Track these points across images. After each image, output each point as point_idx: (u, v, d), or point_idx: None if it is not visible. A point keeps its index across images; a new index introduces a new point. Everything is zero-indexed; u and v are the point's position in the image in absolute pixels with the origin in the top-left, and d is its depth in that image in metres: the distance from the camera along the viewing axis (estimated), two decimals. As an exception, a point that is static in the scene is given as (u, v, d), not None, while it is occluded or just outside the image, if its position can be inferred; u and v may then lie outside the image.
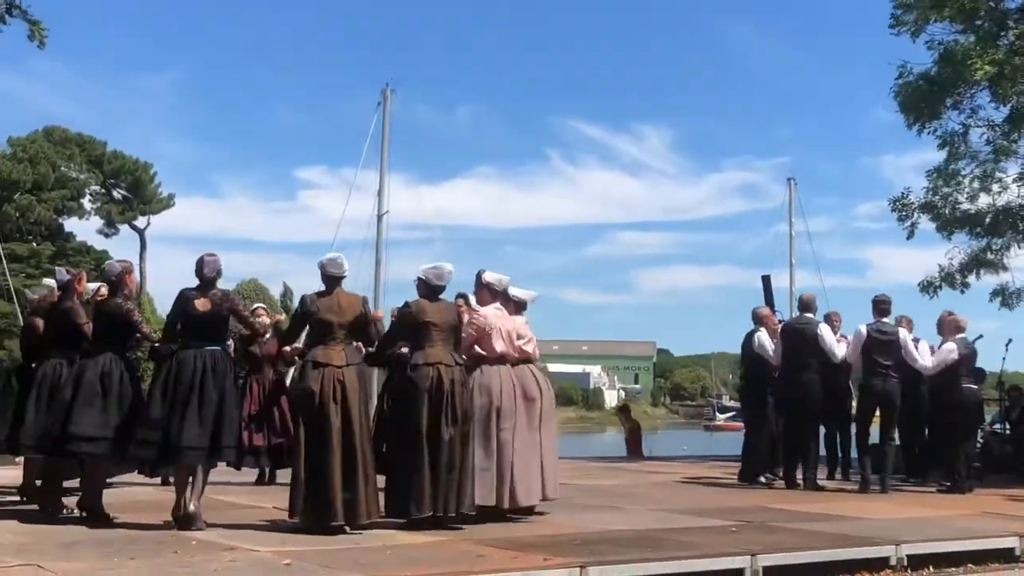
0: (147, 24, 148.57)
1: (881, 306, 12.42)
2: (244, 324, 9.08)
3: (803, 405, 12.30)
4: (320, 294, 8.46)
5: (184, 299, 8.38)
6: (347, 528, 8.04)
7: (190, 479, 8.17)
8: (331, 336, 8.32)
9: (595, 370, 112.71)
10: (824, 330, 12.48)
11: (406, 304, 8.85)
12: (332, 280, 8.47)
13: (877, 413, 12.39)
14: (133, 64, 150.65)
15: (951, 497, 11.73)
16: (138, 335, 8.81)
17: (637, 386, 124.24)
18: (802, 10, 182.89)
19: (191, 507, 8.07)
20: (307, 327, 8.64)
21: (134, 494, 10.13)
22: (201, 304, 8.34)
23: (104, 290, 9.55)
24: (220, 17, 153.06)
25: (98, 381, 8.36)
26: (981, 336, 13.06)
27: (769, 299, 17.97)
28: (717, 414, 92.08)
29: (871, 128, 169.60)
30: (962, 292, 21.40)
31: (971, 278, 21.44)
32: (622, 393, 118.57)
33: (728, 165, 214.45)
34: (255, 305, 12.36)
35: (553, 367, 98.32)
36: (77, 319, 8.78)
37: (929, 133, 20.31)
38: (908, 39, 19.59)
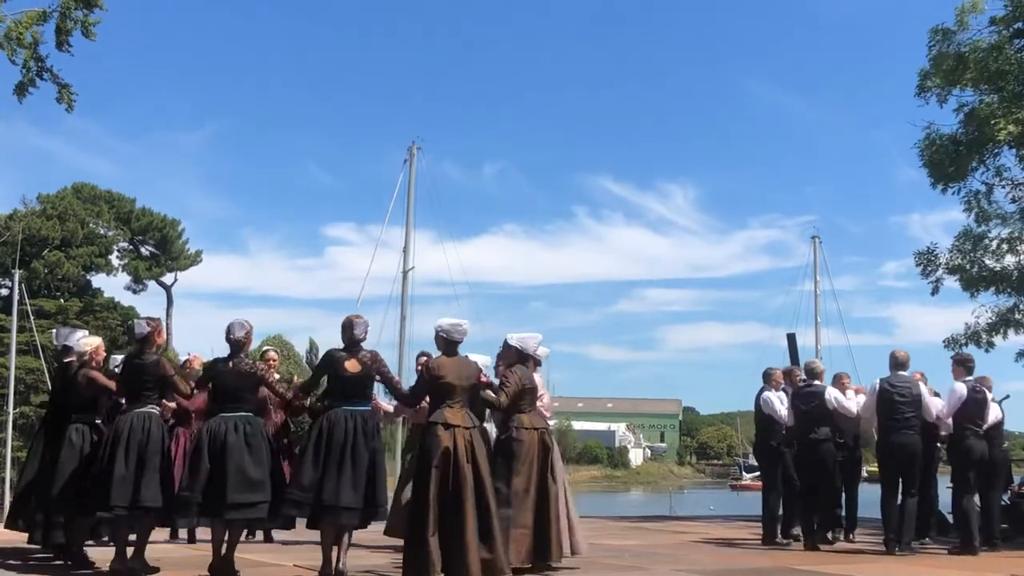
0: (178, 84, 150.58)
1: (968, 364, 12.36)
2: (389, 384, 8.96)
3: (907, 466, 11.96)
4: (442, 362, 8.65)
5: (333, 360, 8.54)
6: None
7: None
8: (454, 399, 8.50)
9: (620, 428, 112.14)
10: (923, 389, 12.09)
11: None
12: (453, 344, 8.73)
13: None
14: (164, 123, 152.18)
15: (979, 559, 11.56)
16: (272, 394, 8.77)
17: (663, 444, 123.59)
18: (828, 70, 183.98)
19: (341, 565, 8.27)
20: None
21: (165, 550, 10.07)
22: (351, 365, 8.48)
23: (101, 349, 9.46)
24: (250, 77, 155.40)
25: (243, 442, 8.27)
26: (1008, 396, 13.01)
27: (794, 357, 17.92)
28: (744, 473, 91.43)
29: (898, 187, 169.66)
30: (987, 351, 21.32)
31: (997, 337, 21.36)
32: (648, 451, 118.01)
33: (754, 223, 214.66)
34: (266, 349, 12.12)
35: (578, 424, 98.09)
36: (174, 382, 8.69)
37: (954, 192, 20.36)
38: (935, 103, 19.71)
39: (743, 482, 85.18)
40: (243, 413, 8.40)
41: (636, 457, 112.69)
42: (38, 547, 9.58)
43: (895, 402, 11.86)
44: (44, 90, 12.52)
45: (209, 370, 8.72)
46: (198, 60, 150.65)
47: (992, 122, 17.72)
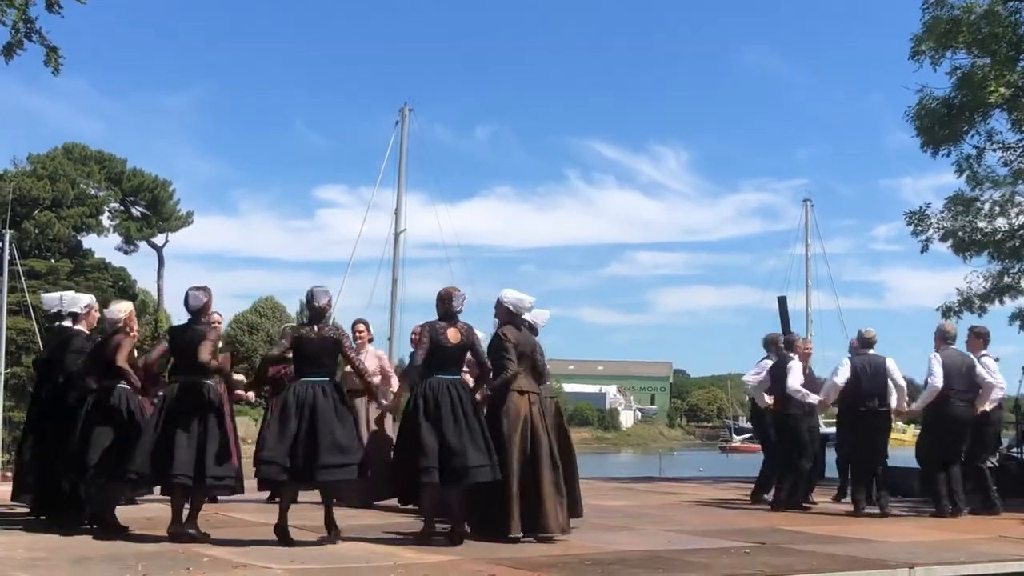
0: (170, 44, 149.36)
1: (987, 337, 12.79)
2: (479, 357, 8.97)
3: (960, 435, 12.14)
4: (511, 331, 8.96)
5: (435, 330, 8.65)
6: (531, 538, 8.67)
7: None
8: (523, 367, 8.90)
9: (611, 390, 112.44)
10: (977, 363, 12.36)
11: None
12: (516, 316, 9.09)
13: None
14: (155, 83, 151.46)
15: (969, 520, 11.63)
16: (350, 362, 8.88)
17: (653, 407, 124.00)
18: (820, 34, 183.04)
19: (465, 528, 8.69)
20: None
21: (142, 511, 10.11)
22: (453, 335, 8.65)
23: (133, 315, 9.39)
24: (241, 38, 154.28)
25: (332, 406, 8.32)
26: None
27: (785, 320, 17.86)
28: (733, 435, 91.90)
29: (890, 150, 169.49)
30: (980, 316, 21.31)
31: (993, 304, 21.37)
32: (638, 414, 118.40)
33: (746, 186, 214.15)
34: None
35: (569, 387, 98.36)
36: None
37: (944, 155, 20.28)
38: (928, 67, 19.59)
39: (733, 444, 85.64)
40: (326, 379, 8.46)
41: (627, 419, 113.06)
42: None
43: (952, 374, 12.04)
44: (32, 49, 12.34)
45: (294, 338, 8.56)
46: (187, 19, 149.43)
47: (985, 85, 17.68)
